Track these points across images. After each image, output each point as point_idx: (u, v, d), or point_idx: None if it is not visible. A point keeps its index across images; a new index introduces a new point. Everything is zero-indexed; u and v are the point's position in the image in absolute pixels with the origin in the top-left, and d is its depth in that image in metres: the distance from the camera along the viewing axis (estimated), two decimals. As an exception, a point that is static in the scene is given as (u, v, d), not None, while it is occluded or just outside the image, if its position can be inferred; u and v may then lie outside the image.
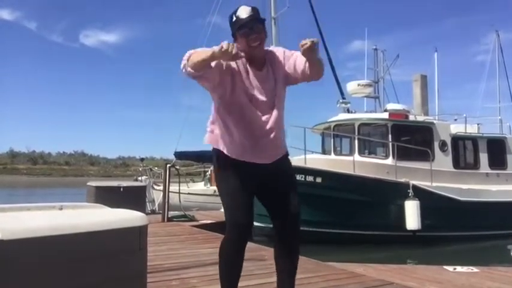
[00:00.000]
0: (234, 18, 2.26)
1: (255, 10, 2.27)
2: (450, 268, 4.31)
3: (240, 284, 2.87)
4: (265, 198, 2.45)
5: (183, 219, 8.23)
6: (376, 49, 14.34)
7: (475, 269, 4.28)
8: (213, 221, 8.29)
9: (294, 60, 2.34)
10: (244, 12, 2.24)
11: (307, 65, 2.25)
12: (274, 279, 3.28)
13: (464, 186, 10.38)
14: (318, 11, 15.27)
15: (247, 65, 2.30)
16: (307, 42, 2.09)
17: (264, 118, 2.30)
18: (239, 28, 2.23)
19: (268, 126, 2.30)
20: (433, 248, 9.16)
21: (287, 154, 2.53)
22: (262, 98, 2.30)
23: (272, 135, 2.33)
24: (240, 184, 2.30)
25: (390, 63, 14.37)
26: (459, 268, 4.30)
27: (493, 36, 28.70)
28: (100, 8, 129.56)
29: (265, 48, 2.39)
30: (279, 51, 2.43)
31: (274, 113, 2.33)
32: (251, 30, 2.23)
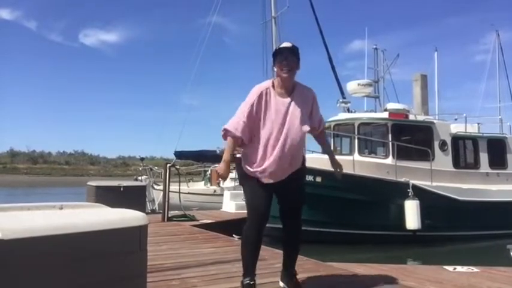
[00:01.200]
0: (277, 47, 2.95)
1: (295, 47, 2.91)
2: (450, 268, 4.30)
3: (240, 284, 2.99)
4: (278, 196, 3.01)
5: (183, 218, 8.21)
6: (376, 48, 14.31)
7: (475, 269, 4.27)
8: (213, 221, 8.29)
9: (316, 119, 3.04)
10: (285, 45, 2.92)
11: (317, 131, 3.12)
12: (275, 278, 3.33)
13: (465, 186, 10.38)
14: (317, 10, 15.30)
15: (273, 97, 2.88)
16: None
17: (283, 142, 2.83)
18: (278, 54, 2.87)
19: (286, 150, 2.83)
20: (433, 247, 9.16)
21: (302, 167, 3.03)
22: (282, 124, 2.83)
23: (289, 158, 2.87)
24: (262, 185, 2.88)
25: (390, 63, 14.35)
26: (459, 268, 4.29)
27: (491, 36, 28.73)
28: (99, 8, 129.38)
29: (302, 84, 3.00)
30: (313, 94, 3.03)
31: (291, 142, 2.84)
32: (285, 59, 2.83)
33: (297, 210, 3.02)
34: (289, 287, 3.01)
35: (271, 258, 3.86)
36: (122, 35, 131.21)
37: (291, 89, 2.91)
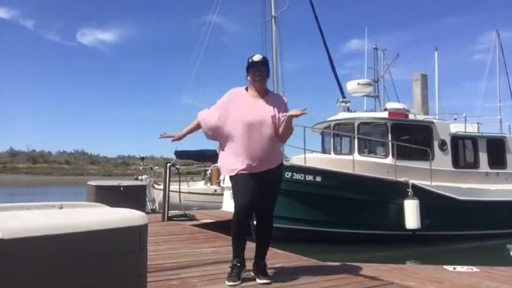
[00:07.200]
0: (250, 60, 3.35)
1: (264, 58, 3.42)
2: (450, 268, 4.30)
3: (239, 284, 3.16)
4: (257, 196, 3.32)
5: (183, 218, 8.22)
6: (376, 48, 14.29)
7: (474, 269, 4.27)
8: (213, 221, 8.29)
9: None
10: (257, 58, 3.37)
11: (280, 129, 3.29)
12: (274, 277, 3.33)
13: (464, 186, 10.38)
14: (316, 10, 15.25)
15: (248, 97, 3.36)
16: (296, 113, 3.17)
17: (256, 139, 3.22)
18: (251, 67, 3.34)
19: (257, 143, 3.22)
20: (433, 247, 9.15)
21: (278, 166, 3.39)
22: (255, 122, 3.22)
23: (262, 150, 3.23)
24: (245, 181, 3.24)
25: (390, 62, 14.31)
26: (459, 268, 4.29)
27: (490, 35, 28.71)
28: (97, 7, 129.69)
29: (276, 93, 3.56)
30: (284, 100, 3.47)
31: (265, 135, 3.24)
32: (258, 70, 3.34)
33: (268, 214, 3.44)
34: (260, 279, 3.29)
35: (271, 258, 3.86)
36: (119, 34, 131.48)
37: (264, 94, 3.38)
